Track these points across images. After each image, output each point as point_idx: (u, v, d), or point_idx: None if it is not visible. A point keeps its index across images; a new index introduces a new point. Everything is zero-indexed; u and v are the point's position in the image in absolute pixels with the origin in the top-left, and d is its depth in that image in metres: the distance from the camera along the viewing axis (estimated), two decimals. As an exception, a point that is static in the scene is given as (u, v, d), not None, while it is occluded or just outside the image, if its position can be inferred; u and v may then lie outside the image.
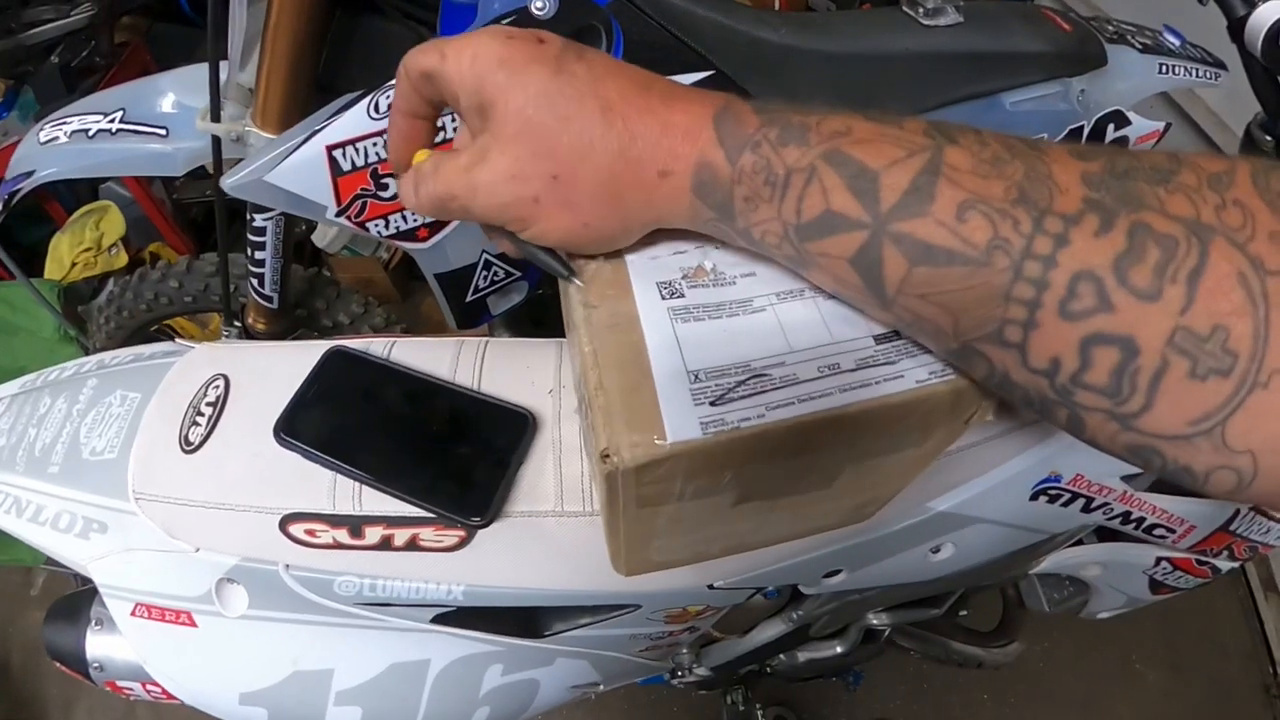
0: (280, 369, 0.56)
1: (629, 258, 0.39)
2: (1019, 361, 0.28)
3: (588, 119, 0.33)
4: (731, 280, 0.39)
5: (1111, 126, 1.18)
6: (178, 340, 0.60)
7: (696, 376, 0.35)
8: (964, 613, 0.97)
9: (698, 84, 0.90)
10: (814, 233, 0.31)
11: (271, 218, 0.97)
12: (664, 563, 0.51)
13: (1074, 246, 0.26)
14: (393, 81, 0.78)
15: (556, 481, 0.54)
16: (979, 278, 0.27)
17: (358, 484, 0.51)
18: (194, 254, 1.33)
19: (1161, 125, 1.24)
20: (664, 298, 0.38)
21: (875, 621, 0.88)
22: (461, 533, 0.51)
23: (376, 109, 0.80)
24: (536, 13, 0.79)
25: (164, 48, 1.80)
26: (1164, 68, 1.17)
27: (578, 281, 0.39)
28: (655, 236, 0.40)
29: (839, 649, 0.91)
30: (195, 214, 1.85)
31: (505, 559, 0.52)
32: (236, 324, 1.14)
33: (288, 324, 1.15)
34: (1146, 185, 0.26)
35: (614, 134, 0.33)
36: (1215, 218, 0.25)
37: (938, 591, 0.83)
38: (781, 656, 0.93)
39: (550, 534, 0.53)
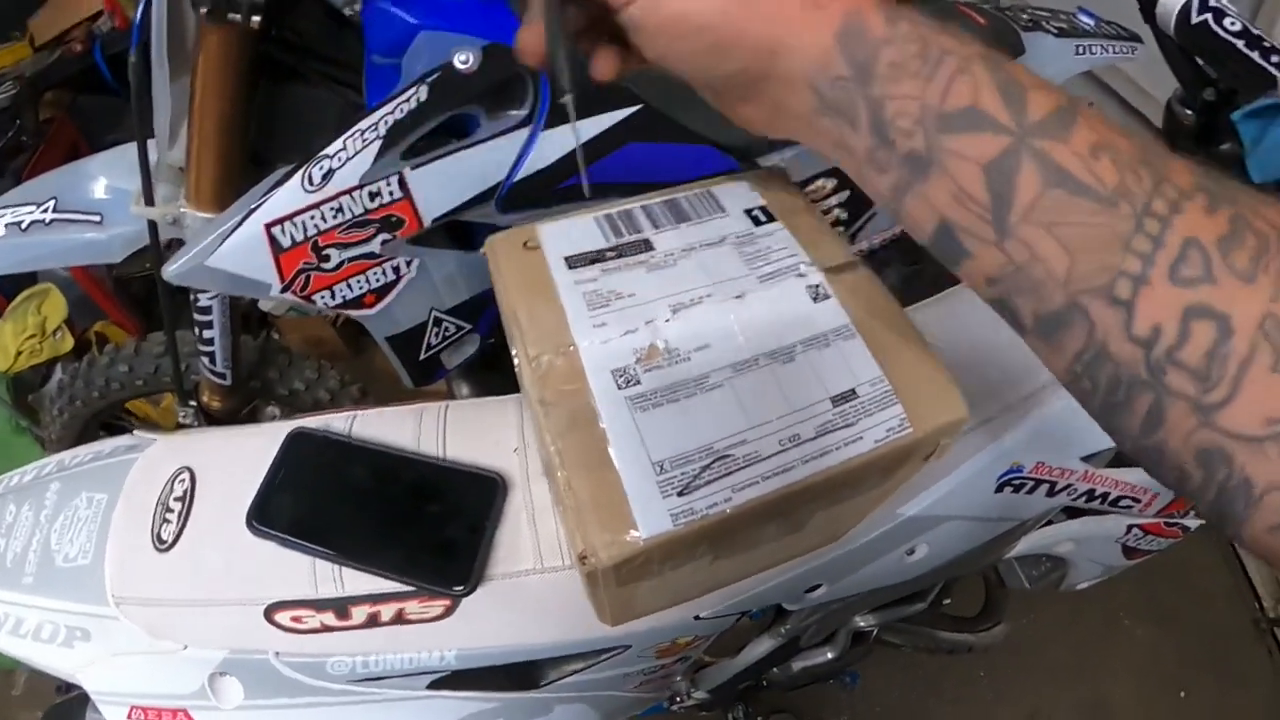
0: (244, 456, 0.56)
1: (582, 345, 0.39)
2: (1123, 325, 0.27)
3: None
4: (686, 357, 0.39)
5: (1036, 110, 1.21)
6: (135, 431, 0.60)
7: (661, 467, 0.36)
8: (947, 601, 0.99)
9: (627, 118, 0.91)
10: (955, 125, 0.30)
11: (216, 296, 0.96)
12: (647, 611, 0.52)
13: (1186, 216, 0.27)
14: (325, 152, 0.78)
15: (533, 539, 0.54)
16: (1104, 217, 0.27)
17: (337, 566, 0.52)
18: (141, 330, 1.30)
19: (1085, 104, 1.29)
20: (620, 387, 0.38)
21: (862, 623, 0.90)
22: (447, 601, 0.52)
23: (310, 181, 0.80)
24: (460, 67, 0.79)
25: (90, 120, 1.76)
26: (1081, 49, 1.20)
27: (569, 99, 0.37)
28: (609, 301, 0.41)
29: (830, 655, 0.92)
30: (137, 289, 1.81)
31: (492, 621, 0.53)
32: (191, 404, 1.12)
33: (243, 398, 1.14)
34: (1243, 193, 0.27)
35: None
36: None
37: (919, 588, 0.84)
38: (775, 669, 0.94)
39: (534, 591, 0.53)
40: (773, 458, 0.36)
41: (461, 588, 0.51)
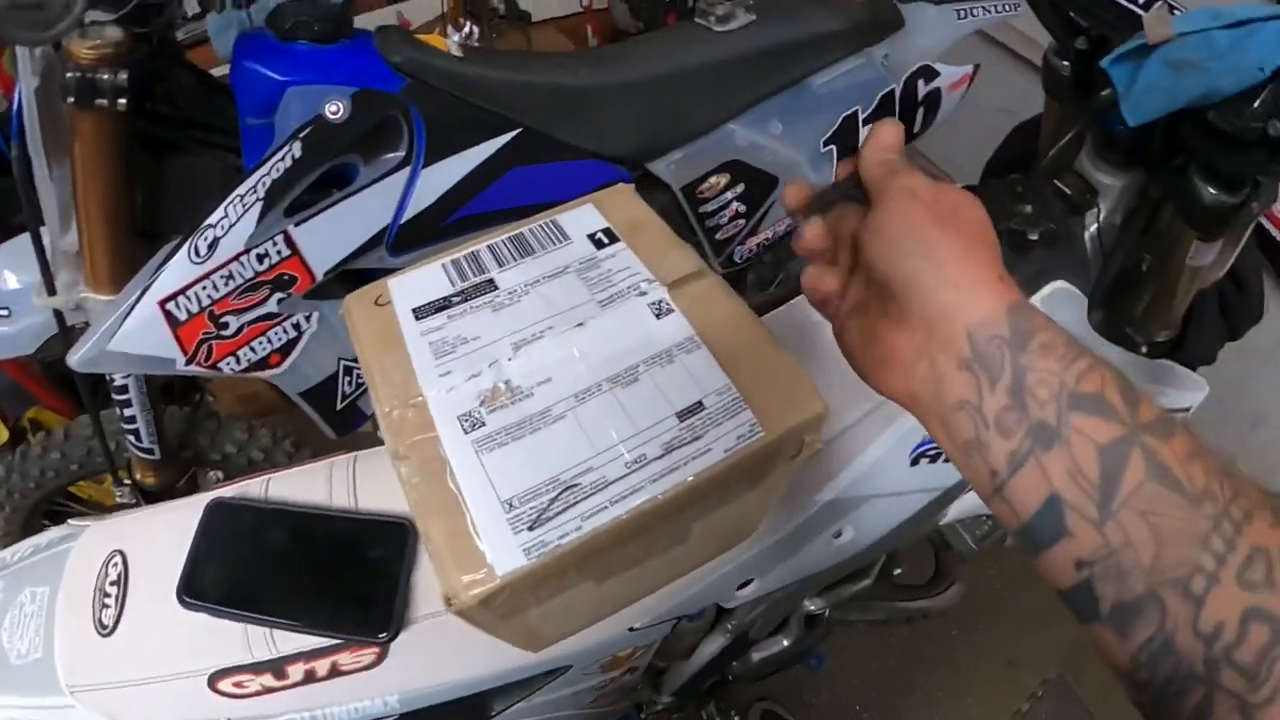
0: (170, 533, 0.57)
1: (429, 396, 0.40)
2: (1191, 619, 0.30)
3: (974, 222, 0.39)
4: (529, 393, 0.40)
5: (921, 81, 1.24)
6: (70, 520, 0.62)
7: (510, 505, 0.36)
8: (898, 571, 1.01)
9: (507, 144, 0.92)
10: (1083, 405, 0.34)
11: (129, 375, 0.95)
12: (563, 636, 0.52)
13: (1255, 525, 0.30)
14: (208, 222, 0.78)
15: (449, 578, 0.55)
16: (1189, 514, 0.31)
17: (268, 629, 0.53)
18: (73, 411, 1.28)
19: (970, 68, 1.31)
20: (466, 432, 0.39)
21: (812, 607, 0.91)
22: (375, 649, 0.53)
23: (197, 253, 0.80)
24: (332, 117, 0.80)
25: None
26: (962, 13, 1.23)
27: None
28: (454, 347, 0.41)
29: (785, 643, 0.93)
30: (66, 369, 1.78)
31: (425, 661, 0.54)
32: (126, 483, 1.11)
33: (176, 470, 1.13)
34: None
35: (985, 232, 0.39)
36: None
37: (858, 567, 0.86)
38: (735, 664, 0.95)
39: (459, 627, 0.52)
40: (619, 481, 0.37)
41: (385, 634, 0.52)
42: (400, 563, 0.55)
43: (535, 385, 0.40)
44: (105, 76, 0.76)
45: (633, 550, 0.41)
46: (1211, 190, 0.71)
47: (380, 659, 0.53)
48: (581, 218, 0.49)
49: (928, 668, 1.55)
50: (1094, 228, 0.82)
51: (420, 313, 0.43)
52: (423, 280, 0.45)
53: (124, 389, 0.96)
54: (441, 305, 0.44)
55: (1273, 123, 0.63)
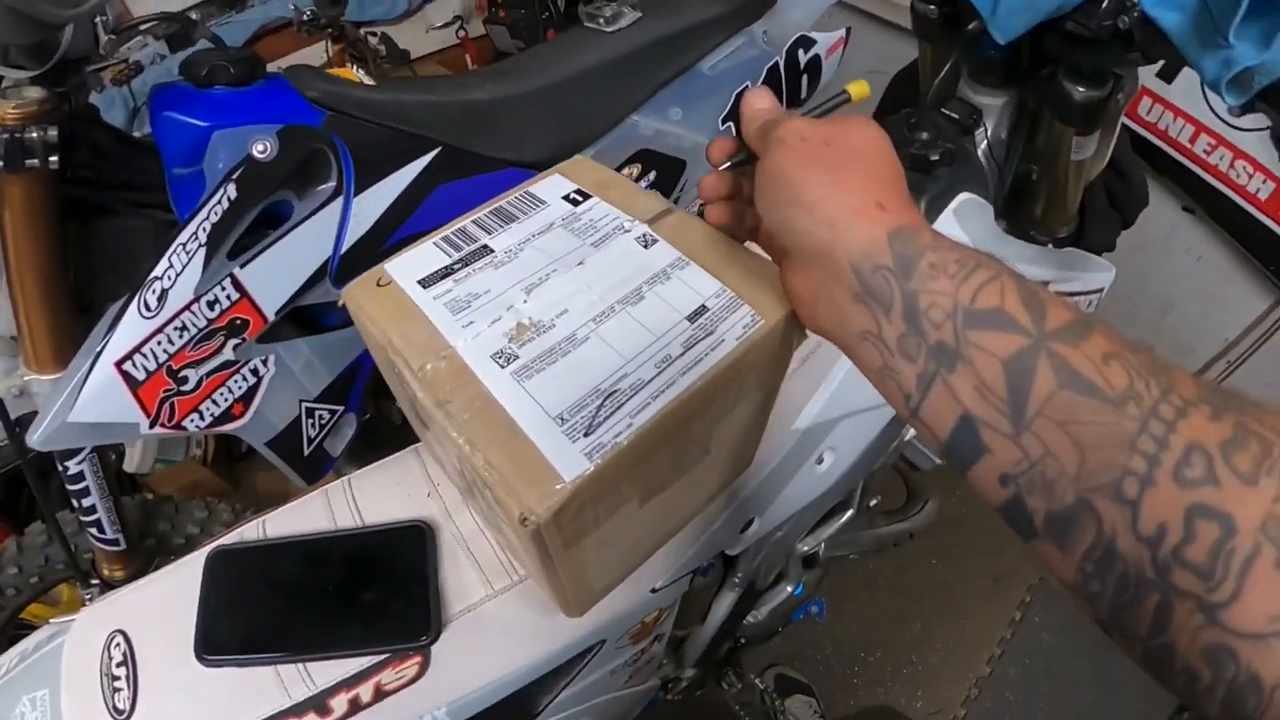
0: (169, 598, 0.55)
1: (458, 345, 0.42)
2: (1129, 523, 0.29)
3: (868, 155, 0.40)
4: (551, 324, 0.42)
5: (801, 51, 1.32)
6: (50, 620, 0.58)
7: (562, 419, 0.39)
8: (875, 501, 1.06)
9: (429, 163, 0.94)
10: (980, 321, 0.33)
11: (84, 459, 0.91)
12: (606, 587, 0.54)
13: (1191, 421, 0.29)
14: (153, 274, 0.76)
15: (476, 569, 0.56)
16: (1112, 417, 0.30)
17: (301, 665, 0.51)
18: (14, 531, 1.21)
19: (842, 32, 1.40)
20: (503, 366, 0.41)
21: (806, 548, 0.94)
22: (418, 659, 0.52)
23: (147, 307, 0.78)
24: (260, 156, 0.80)
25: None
26: None
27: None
28: (469, 303, 0.43)
29: (789, 589, 0.97)
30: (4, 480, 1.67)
31: (468, 660, 0.54)
32: (94, 582, 1.05)
33: (143, 559, 1.08)
34: (1249, 404, 0.29)
35: (875, 165, 0.39)
36: None
37: (841, 496, 0.90)
38: (747, 622, 0.98)
39: (495, 617, 0.55)
40: (654, 380, 0.40)
41: (426, 637, 0.52)
42: (425, 564, 0.55)
43: (555, 318, 0.42)
44: (34, 135, 0.74)
45: (669, 460, 0.43)
46: (1080, 89, 0.79)
47: (423, 669, 0.53)
48: (552, 185, 0.51)
49: (917, 599, 1.62)
50: (984, 144, 0.90)
51: (427, 283, 0.45)
52: (418, 258, 0.47)
53: (79, 476, 0.92)
54: (445, 273, 0.45)
55: (1121, 18, 0.71)
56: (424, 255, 0.47)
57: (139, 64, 1.63)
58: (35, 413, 0.85)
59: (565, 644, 0.57)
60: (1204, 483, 0.28)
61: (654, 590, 0.62)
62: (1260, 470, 0.27)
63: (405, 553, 0.56)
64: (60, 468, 0.92)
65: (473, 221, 0.49)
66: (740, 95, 1.23)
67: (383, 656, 0.52)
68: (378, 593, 0.55)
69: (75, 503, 0.95)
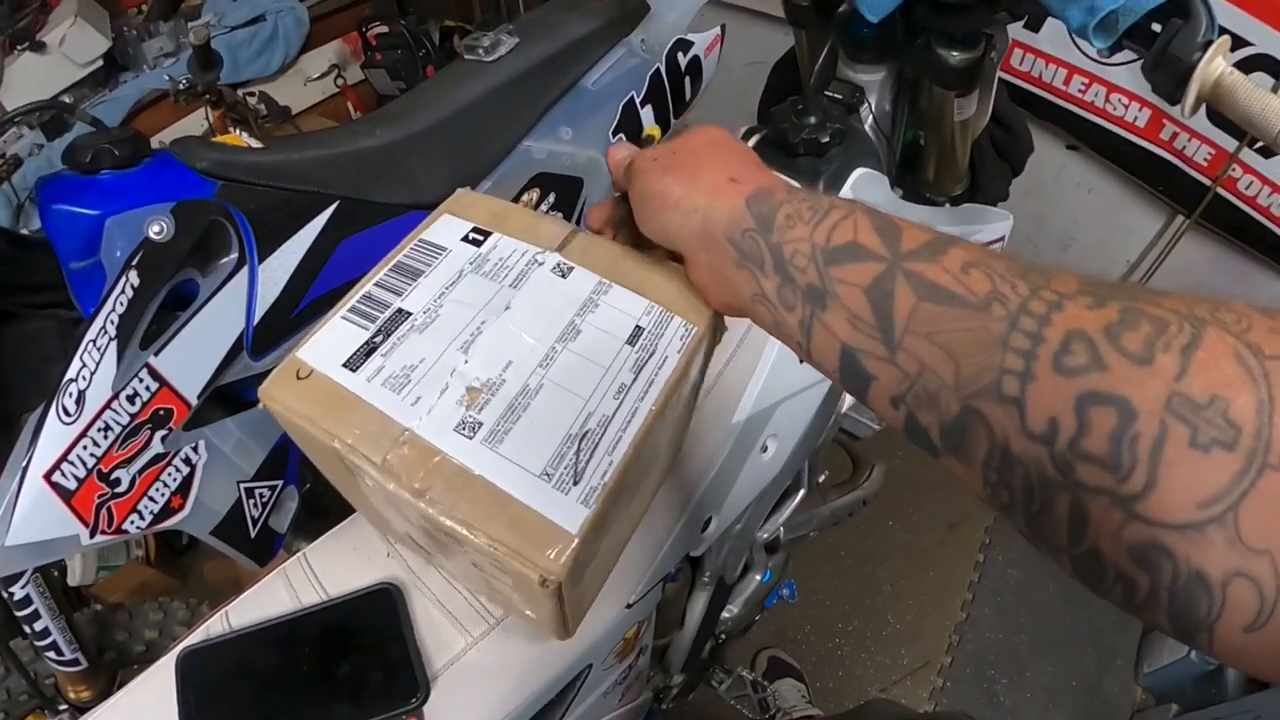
0: (143, 710, 0.53)
1: (414, 426, 0.40)
2: (1018, 423, 0.28)
3: (718, 148, 0.44)
4: (501, 380, 0.41)
5: (680, 54, 1.34)
6: None
7: (547, 475, 0.38)
8: (823, 477, 1.09)
9: (329, 219, 0.92)
10: (838, 257, 0.35)
11: (28, 582, 0.86)
12: (592, 600, 0.54)
13: (1067, 311, 0.27)
14: (67, 377, 0.72)
15: (451, 621, 0.55)
16: (977, 321, 0.29)
17: None
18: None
19: (717, 30, 1.44)
20: (469, 436, 0.39)
21: (766, 535, 0.96)
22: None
23: (66, 413, 0.75)
24: (157, 238, 0.78)
25: None
26: None
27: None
28: (408, 376, 0.42)
29: (757, 577, 0.98)
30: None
31: (463, 714, 0.53)
32: (62, 708, 1.00)
33: (107, 676, 1.03)
34: (1142, 291, 0.28)
35: (725, 152, 0.44)
36: (1209, 314, 0.26)
37: (790, 479, 0.92)
38: (723, 616, 0.99)
39: (479, 664, 0.54)
40: (618, 412, 0.41)
41: (417, 698, 0.52)
42: (400, 625, 0.54)
43: (502, 372, 0.42)
44: None
45: (638, 474, 0.44)
46: (955, 54, 0.83)
47: None
48: (445, 228, 0.49)
49: (882, 562, 1.66)
50: (870, 119, 0.93)
51: (353, 364, 0.42)
52: (332, 338, 0.44)
53: (26, 601, 0.87)
54: (369, 349, 0.43)
55: None
56: (337, 334, 0.44)
57: (17, 157, 1.57)
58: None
59: (555, 674, 0.57)
60: (1089, 369, 0.26)
61: (629, 606, 0.62)
62: (1154, 348, 0.25)
63: (378, 617, 0.55)
64: (5, 595, 0.87)
65: (375, 285, 0.46)
66: (627, 106, 1.26)
67: (377, 726, 0.51)
68: (359, 663, 0.54)
69: (27, 628, 0.90)
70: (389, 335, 0.43)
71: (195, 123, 1.91)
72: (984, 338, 0.29)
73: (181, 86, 1.39)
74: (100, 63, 1.91)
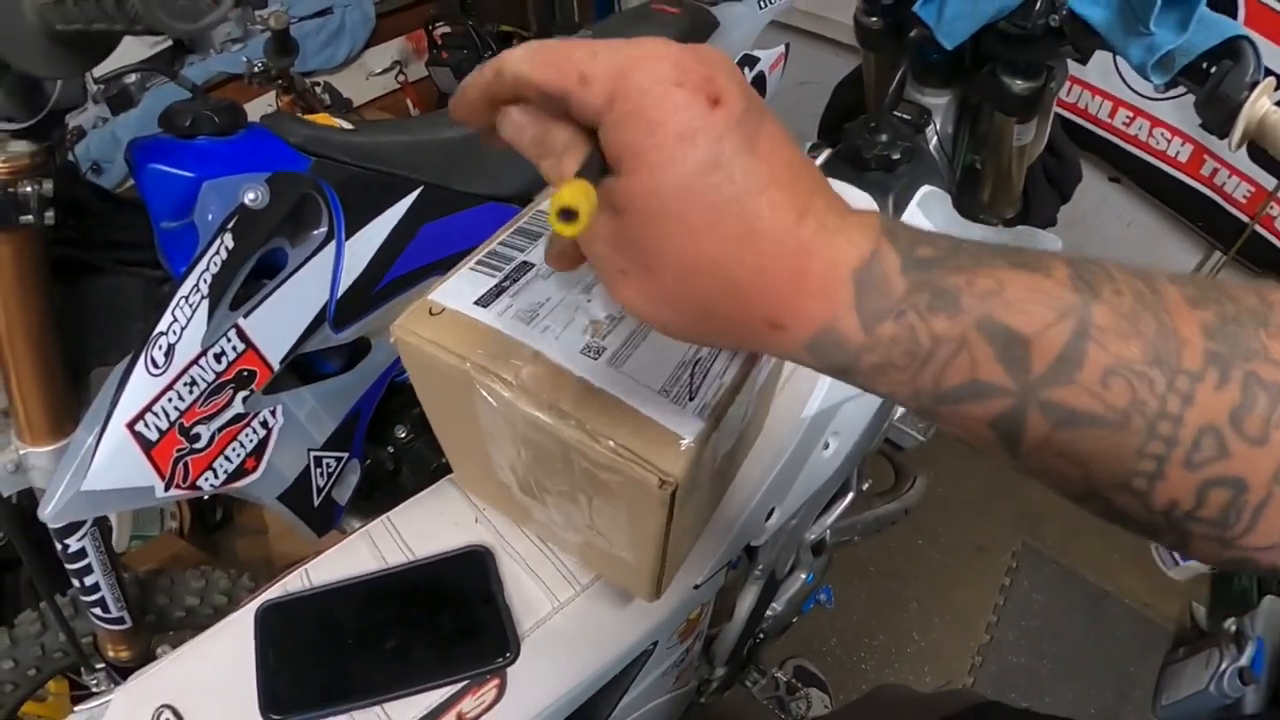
0: (217, 661, 0.53)
1: (543, 349, 0.43)
2: (1140, 505, 0.29)
3: (715, 237, 0.28)
4: (621, 315, 0.44)
5: (746, 69, 1.38)
6: (77, 709, 0.53)
7: (665, 391, 0.42)
8: (867, 485, 1.10)
9: (414, 202, 0.95)
10: (953, 398, 0.29)
11: (86, 534, 0.87)
12: (678, 565, 0.56)
13: (1198, 404, 0.27)
14: (158, 329, 0.73)
15: (539, 586, 0.57)
16: (1116, 438, 0.28)
17: (378, 707, 0.50)
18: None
19: (782, 48, 1.47)
20: (595, 358, 0.42)
21: (813, 536, 0.98)
22: (496, 681, 0.52)
23: (155, 364, 0.76)
24: (252, 205, 0.80)
25: None
26: (764, 3, 1.39)
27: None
28: (536, 311, 0.44)
29: (803, 576, 1.00)
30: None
31: (543, 678, 0.54)
32: (100, 666, 1.00)
33: (146, 638, 1.04)
34: (1252, 330, 0.28)
35: (736, 266, 0.29)
36: None
37: (843, 479, 0.94)
38: (769, 615, 1.01)
39: (563, 629, 0.56)
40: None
41: (507, 656, 0.52)
42: (490, 586, 0.55)
43: (621, 311, 0.44)
44: (29, 189, 0.70)
45: (735, 415, 0.46)
46: (1018, 82, 0.87)
47: (501, 692, 0.52)
48: None
49: (909, 579, 1.67)
50: (935, 140, 0.97)
51: (484, 302, 0.45)
52: (460, 284, 0.46)
53: (80, 554, 0.88)
54: (498, 291, 0.45)
55: (1051, 17, 0.79)
56: (465, 280, 0.46)
57: (81, 129, 1.61)
58: (30, 493, 0.82)
59: (630, 644, 0.59)
60: (1215, 460, 0.28)
61: (696, 587, 0.64)
62: (1269, 425, 0.27)
63: (470, 577, 0.56)
64: (61, 546, 0.88)
65: (500, 244, 0.49)
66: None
67: (462, 684, 0.51)
68: (448, 621, 0.54)
69: (77, 582, 0.91)
70: (516, 280, 0.46)
71: (257, 109, 1.96)
72: (1120, 452, 0.28)
73: (257, 69, 1.43)
74: (169, 43, 1.95)
